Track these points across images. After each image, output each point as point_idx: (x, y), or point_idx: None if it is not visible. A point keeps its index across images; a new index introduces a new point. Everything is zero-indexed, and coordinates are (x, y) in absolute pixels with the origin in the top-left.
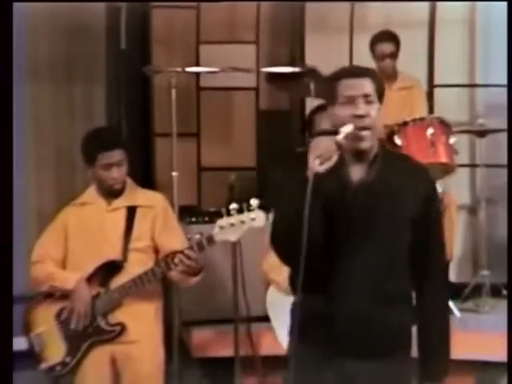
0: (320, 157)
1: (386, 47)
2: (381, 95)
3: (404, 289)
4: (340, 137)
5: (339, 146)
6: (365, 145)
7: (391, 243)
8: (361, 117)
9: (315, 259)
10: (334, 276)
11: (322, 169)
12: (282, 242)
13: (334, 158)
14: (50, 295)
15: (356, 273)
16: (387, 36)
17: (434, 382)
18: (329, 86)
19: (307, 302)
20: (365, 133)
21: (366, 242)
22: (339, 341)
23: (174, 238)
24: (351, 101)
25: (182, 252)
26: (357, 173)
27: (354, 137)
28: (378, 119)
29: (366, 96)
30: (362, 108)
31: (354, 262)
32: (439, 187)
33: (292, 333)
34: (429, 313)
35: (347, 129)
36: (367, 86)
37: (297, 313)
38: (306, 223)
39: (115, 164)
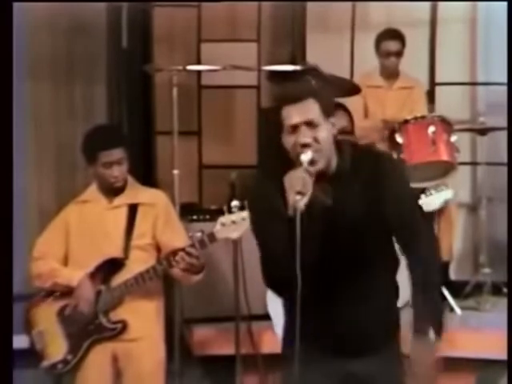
0: (301, 193)
1: (393, 45)
2: (329, 111)
3: (390, 286)
4: (306, 166)
5: (311, 175)
6: (317, 167)
7: (369, 248)
8: (306, 146)
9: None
10: (323, 285)
11: (303, 203)
12: (276, 279)
13: (310, 190)
14: (52, 293)
15: (343, 279)
16: (394, 34)
17: (423, 334)
18: (273, 115)
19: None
20: (316, 156)
21: (345, 253)
22: (334, 342)
23: (176, 236)
24: (295, 130)
25: (183, 249)
26: (321, 193)
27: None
28: (329, 138)
29: (309, 123)
30: (306, 135)
31: (338, 271)
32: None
33: (287, 337)
34: (418, 273)
35: (307, 157)
36: (309, 109)
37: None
38: (298, 261)
39: (116, 162)
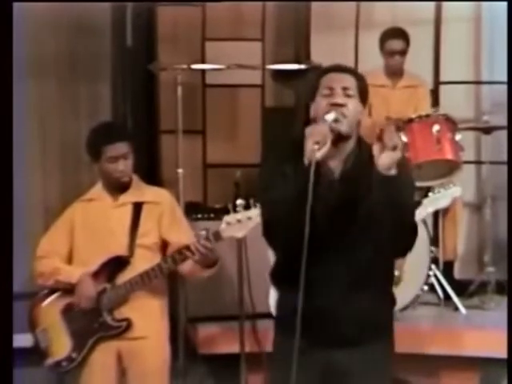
0: (319, 143)
1: (397, 44)
2: (363, 94)
3: (383, 277)
4: (329, 121)
5: (332, 130)
6: (342, 128)
7: (365, 233)
8: (338, 105)
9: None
10: (315, 268)
11: (320, 154)
12: (280, 230)
13: (328, 144)
14: (56, 291)
15: (335, 264)
16: (398, 33)
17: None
18: (314, 80)
19: (290, 295)
20: (341, 118)
21: (341, 232)
22: (321, 332)
23: (183, 234)
24: (331, 91)
25: (197, 242)
26: (333, 168)
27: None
28: (356, 113)
29: (345, 88)
30: (339, 98)
31: (331, 253)
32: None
33: (277, 327)
34: None
35: (331, 116)
36: (348, 80)
37: (281, 307)
38: (308, 209)
39: (121, 157)
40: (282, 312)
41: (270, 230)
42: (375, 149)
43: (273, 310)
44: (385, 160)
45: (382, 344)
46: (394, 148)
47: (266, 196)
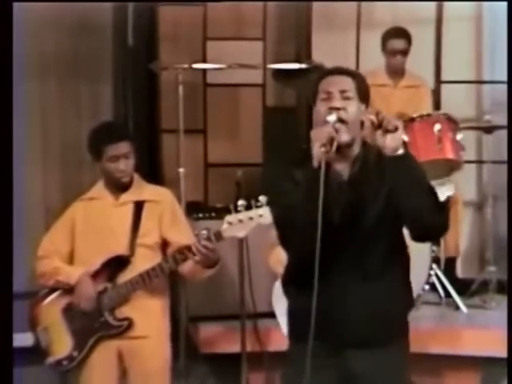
0: (325, 145)
1: (399, 43)
2: (363, 96)
3: (397, 276)
4: (332, 121)
5: (336, 131)
6: (342, 138)
7: (379, 234)
8: (335, 109)
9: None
10: (329, 270)
11: (331, 153)
12: (295, 234)
13: (336, 143)
14: (56, 289)
15: (348, 266)
16: (400, 32)
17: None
18: (313, 85)
19: (305, 298)
20: (340, 125)
21: (353, 234)
22: (337, 335)
23: (182, 234)
24: (328, 95)
25: (198, 242)
26: (340, 171)
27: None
28: (356, 115)
29: (342, 92)
30: (337, 102)
31: (344, 255)
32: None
33: (290, 334)
34: None
35: (333, 117)
36: (346, 82)
37: (295, 312)
38: (320, 209)
39: (122, 156)
40: (296, 317)
41: (285, 234)
42: (378, 136)
43: (276, 309)
44: (391, 143)
45: (399, 346)
46: (396, 129)
47: (279, 202)
